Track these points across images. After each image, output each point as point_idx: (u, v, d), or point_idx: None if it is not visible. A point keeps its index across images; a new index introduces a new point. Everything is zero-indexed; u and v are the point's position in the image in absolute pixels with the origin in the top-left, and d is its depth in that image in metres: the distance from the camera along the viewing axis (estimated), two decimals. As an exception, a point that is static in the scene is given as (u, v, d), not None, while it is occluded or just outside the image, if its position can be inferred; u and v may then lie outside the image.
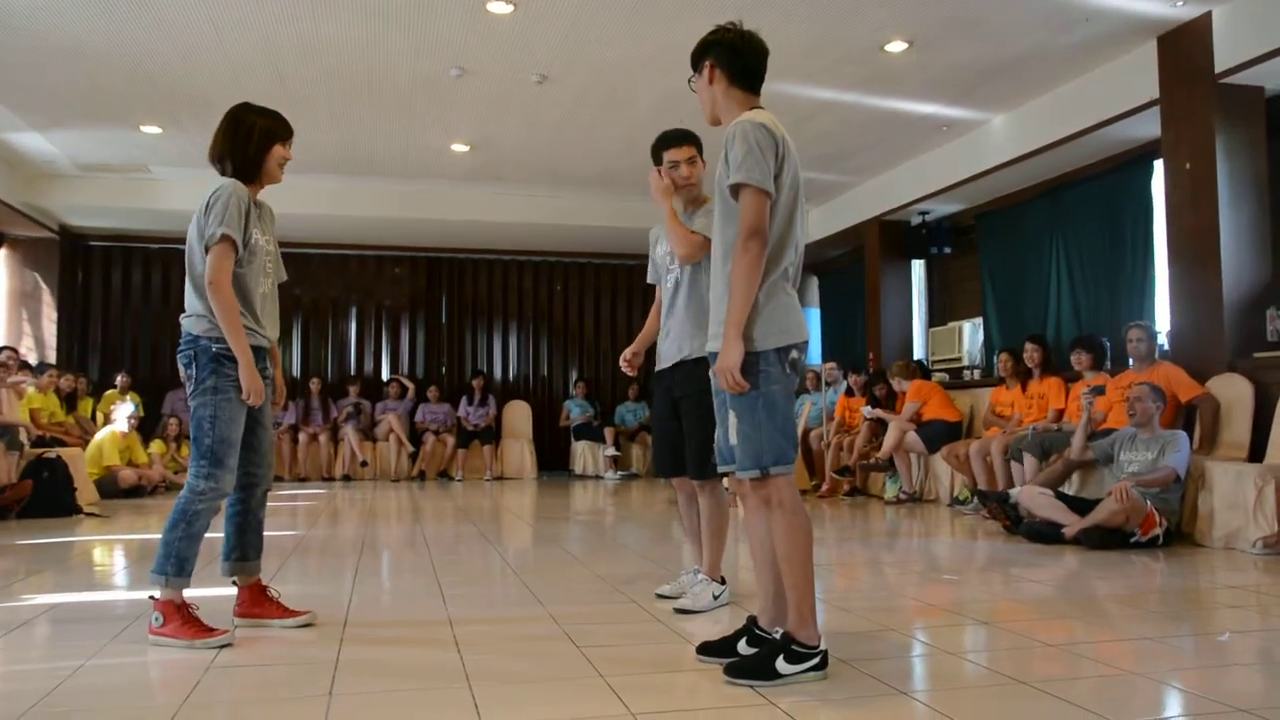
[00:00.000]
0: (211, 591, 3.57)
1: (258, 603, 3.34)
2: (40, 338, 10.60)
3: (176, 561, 3.05)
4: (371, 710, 2.40)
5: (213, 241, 3.08)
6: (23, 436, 7.25)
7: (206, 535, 3.14)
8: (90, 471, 8.06)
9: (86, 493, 7.49)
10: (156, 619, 3.04)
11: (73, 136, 8.49)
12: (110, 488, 8.31)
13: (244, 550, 3.33)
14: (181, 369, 3.17)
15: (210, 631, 3.02)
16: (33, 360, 9.76)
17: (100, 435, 8.69)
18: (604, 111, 7.87)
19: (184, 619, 3.02)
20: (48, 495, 6.96)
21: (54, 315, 10.69)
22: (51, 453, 7.24)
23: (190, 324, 3.16)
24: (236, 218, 3.11)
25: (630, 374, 3.85)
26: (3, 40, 6.33)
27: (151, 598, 3.07)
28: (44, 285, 10.66)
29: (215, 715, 2.37)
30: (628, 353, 3.82)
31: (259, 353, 3.22)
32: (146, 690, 2.62)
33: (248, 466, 3.28)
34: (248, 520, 3.35)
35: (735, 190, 2.61)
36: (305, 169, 9.60)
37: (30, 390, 8.25)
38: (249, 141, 3.28)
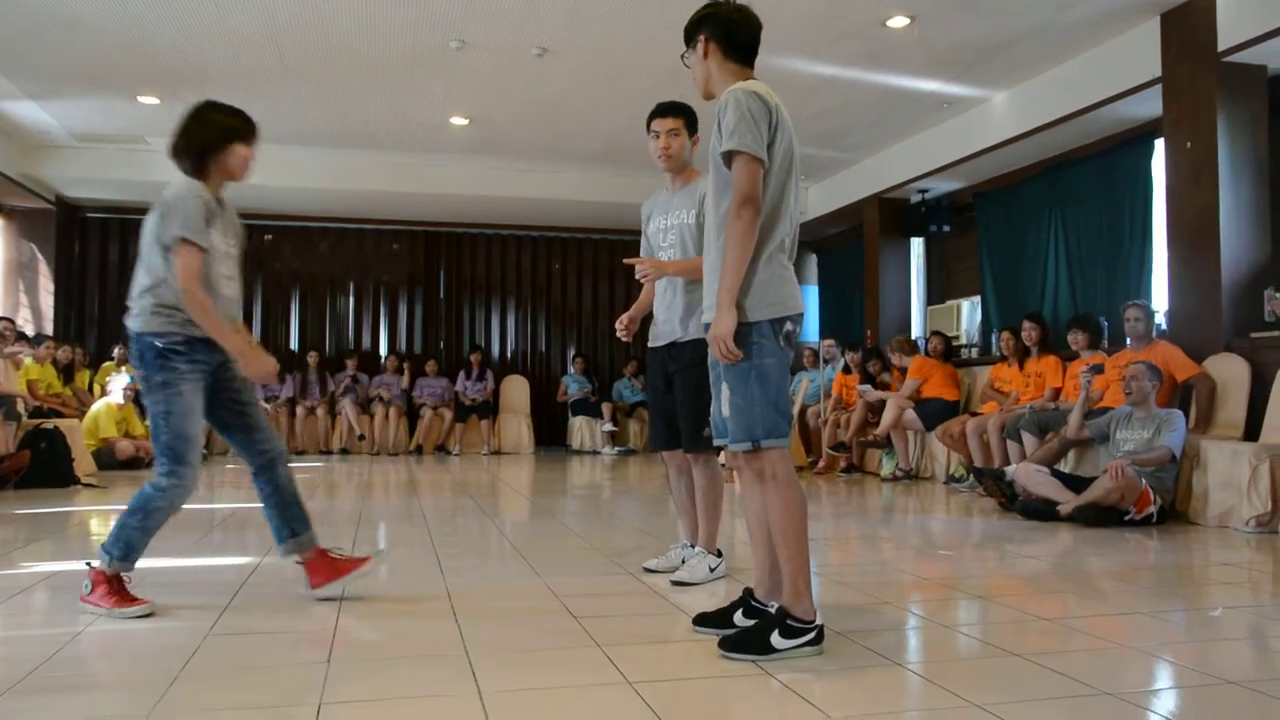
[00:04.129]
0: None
1: (326, 567, 3.30)
2: (37, 309, 10.57)
3: (124, 547, 3.05)
4: (369, 678, 2.42)
5: (175, 244, 3.02)
6: (20, 407, 7.25)
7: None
8: (88, 443, 8.07)
9: (84, 464, 7.50)
10: (86, 586, 3.07)
11: (69, 106, 8.43)
12: (108, 459, 8.32)
13: (292, 526, 3.30)
14: (134, 369, 3.16)
15: (133, 601, 3.03)
16: (30, 331, 9.74)
17: (97, 407, 8.69)
18: (604, 86, 7.83)
19: (110, 589, 3.04)
20: (45, 466, 6.98)
21: (51, 286, 10.66)
22: (49, 424, 7.24)
23: (134, 323, 3.11)
24: (198, 219, 3.04)
25: (625, 339, 3.83)
26: (0, 9, 6.29)
27: (88, 564, 3.10)
28: (40, 256, 10.62)
29: (213, 683, 2.39)
30: (624, 318, 3.80)
31: (212, 344, 3.13)
32: (144, 658, 2.63)
33: (257, 446, 3.28)
34: (283, 497, 3.31)
35: (728, 158, 2.59)
36: (303, 142, 9.55)
37: (27, 361, 8.24)
38: (208, 140, 3.18)
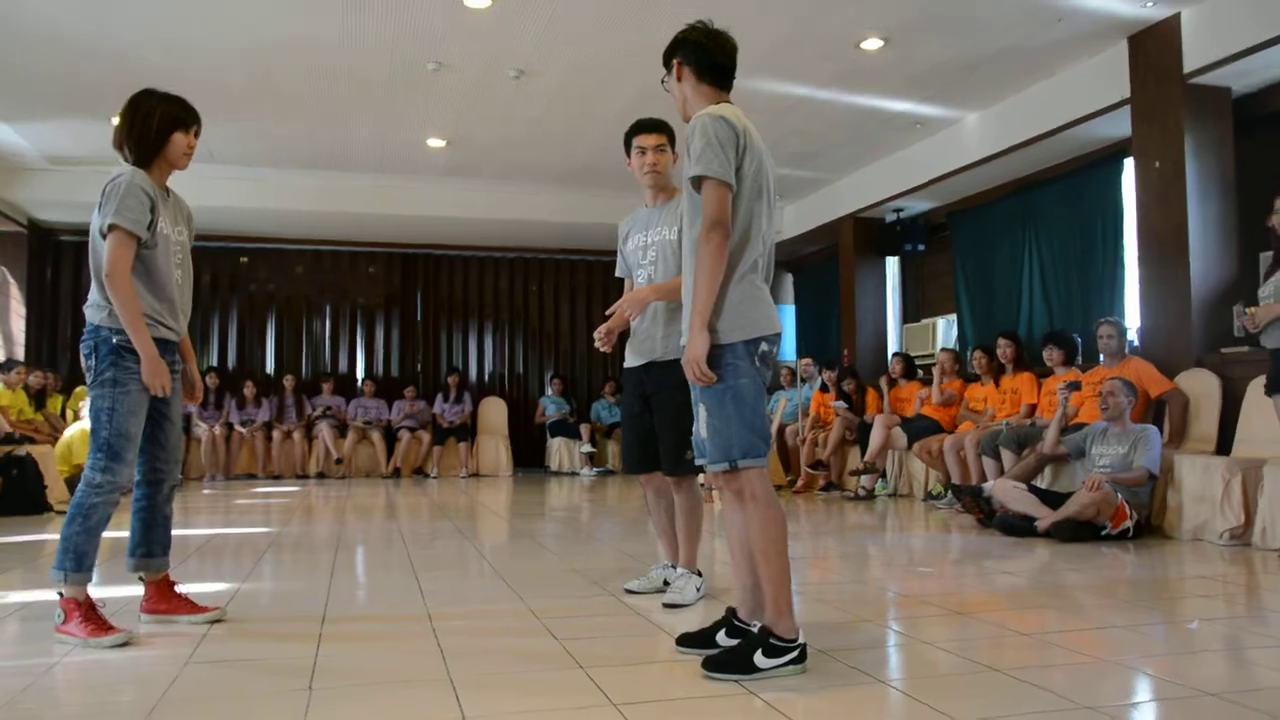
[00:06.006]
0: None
1: (165, 599, 3.31)
2: (9, 334, 10.44)
3: (75, 557, 3.01)
4: (352, 703, 2.40)
5: (105, 231, 3.03)
6: (-9, 433, 7.16)
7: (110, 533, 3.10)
8: (60, 469, 7.95)
9: (57, 490, 7.40)
10: (59, 615, 3.02)
11: (42, 129, 8.37)
12: (81, 485, 8.20)
13: (150, 546, 3.29)
14: (83, 359, 3.12)
15: (108, 630, 2.98)
16: (1, 357, 9.62)
17: (70, 432, 8.56)
18: (581, 107, 7.86)
19: (84, 616, 2.99)
20: (18, 493, 6.89)
21: (23, 311, 10.54)
22: (21, 450, 7.15)
23: (91, 314, 3.11)
24: (136, 208, 3.04)
25: (604, 350, 3.75)
26: (-29, 31, 6.24)
27: (59, 594, 3.04)
28: (12, 280, 10.51)
29: (192, 713, 2.36)
30: (603, 329, 3.67)
31: (167, 345, 3.17)
32: (120, 689, 2.59)
33: (154, 462, 3.27)
34: (154, 516, 3.31)
35: (697, 183, 2.63)
36: (279, 163, 9.53)
37: (-1, 387, 8.14)
38: (148, 128, 3.20)
